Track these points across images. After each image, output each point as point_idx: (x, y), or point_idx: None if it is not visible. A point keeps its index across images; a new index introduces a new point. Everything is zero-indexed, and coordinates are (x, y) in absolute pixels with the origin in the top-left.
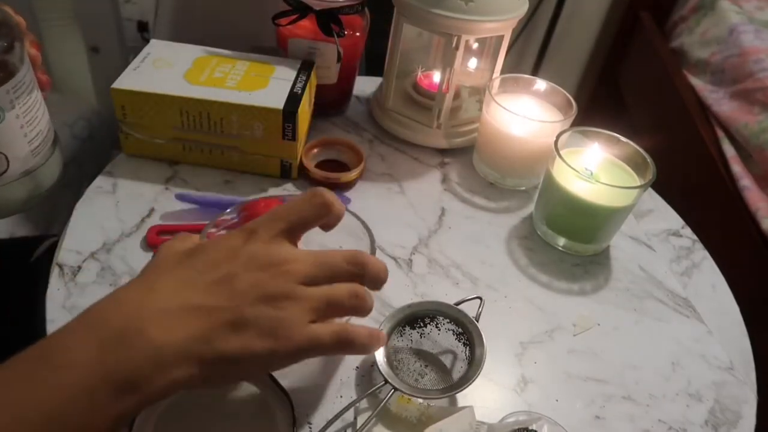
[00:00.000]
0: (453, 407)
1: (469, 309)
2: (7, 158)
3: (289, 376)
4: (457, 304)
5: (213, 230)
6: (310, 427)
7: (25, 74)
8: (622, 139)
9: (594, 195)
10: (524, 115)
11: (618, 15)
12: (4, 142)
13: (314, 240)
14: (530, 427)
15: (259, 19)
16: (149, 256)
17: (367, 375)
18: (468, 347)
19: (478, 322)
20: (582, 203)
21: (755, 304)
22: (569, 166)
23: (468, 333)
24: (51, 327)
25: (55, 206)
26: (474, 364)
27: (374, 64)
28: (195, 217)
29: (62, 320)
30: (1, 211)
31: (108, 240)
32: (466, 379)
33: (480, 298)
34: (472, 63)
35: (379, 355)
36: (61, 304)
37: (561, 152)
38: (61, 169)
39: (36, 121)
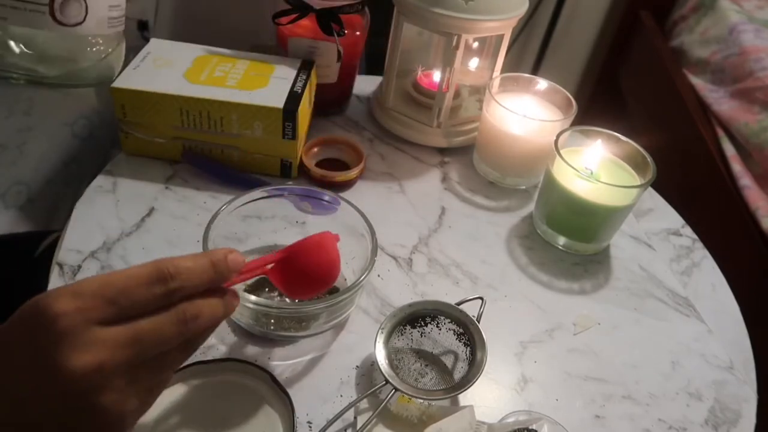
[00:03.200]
0: (453, 407)
1: (470, 309)
2: (87, 8)
3: (289, 376)
4: (459, 304)
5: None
6: (310, 427)
7: None
8: (622, 138)
9: (594, 194)
10: (524, 114)
11: (618, 14)
12: None
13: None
14: (530, 427)
15: (259, 18)
16: (149, 255)
17: (367, 375)
18: (469, 348)
19: (479, 322)
20: (582, 202)
21: (755, 304)
22: (569, 165)
23: (469, 333)
24: None
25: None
26: (475, 365)
27: (374, 64)
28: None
29: None
30: (76, 77)
31: (108, 239)
32: (467, 380)
33: (481, 299)
34: (473, 62)
35: (380, 354)
36: None
37: (561, 151)
38: (122, 62)
39: None
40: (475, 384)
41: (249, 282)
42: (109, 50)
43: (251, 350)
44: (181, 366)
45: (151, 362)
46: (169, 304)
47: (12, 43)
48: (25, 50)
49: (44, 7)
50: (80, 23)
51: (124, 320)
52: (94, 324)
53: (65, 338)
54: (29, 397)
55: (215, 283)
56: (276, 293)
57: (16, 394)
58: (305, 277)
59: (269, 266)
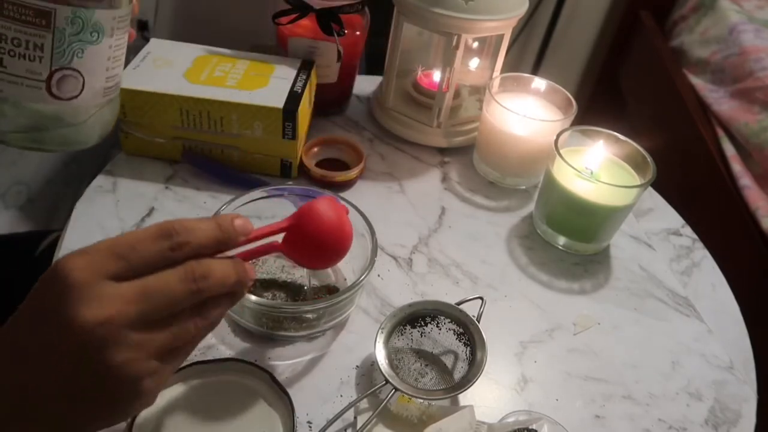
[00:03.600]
0: (453, 407)
1: (470, 309)
2: (83, 83)
3: (289, 376)
4: (459, 304)
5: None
6: (310, 427)
7: (128, 12)
8: (622, 138)
9: (594, 194)
10: (524, 114)
11: (618, 14)
12: (89, 65)
13: None
14: (530, 427)
15: (259, 18)
16: None
17: (367, 375)
18: (469, 348)
19: (479, 322)
20: (582, 202)
21: (755, 303)
22: (569, 165)
23: (469, 333)
24: None
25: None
26: (475, 365)
27: (374, 63)
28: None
29: None
30: (59, 143)
31: None
32: (467, 380)
33: (481, 298)
34: (473, 62)
35: (380, 354)
36: None
37: (561, 151)
38: (116, 116)
39: (119, 62)
40: (475, 384)
41: None
42: (92, 112)
43: (251, 350)
44: (181, 366)
45: (165, 324)
46: (179, 261)
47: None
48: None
49: (41, 83)
50: (75, 97)
51: (134, 277)
52: (103, 278)
53: (75, 291)
54: (43, 354)
55: (222, 245)
56: (276, 294)
57: (33, 353)
58: (317, 242)
59: (279, 236)
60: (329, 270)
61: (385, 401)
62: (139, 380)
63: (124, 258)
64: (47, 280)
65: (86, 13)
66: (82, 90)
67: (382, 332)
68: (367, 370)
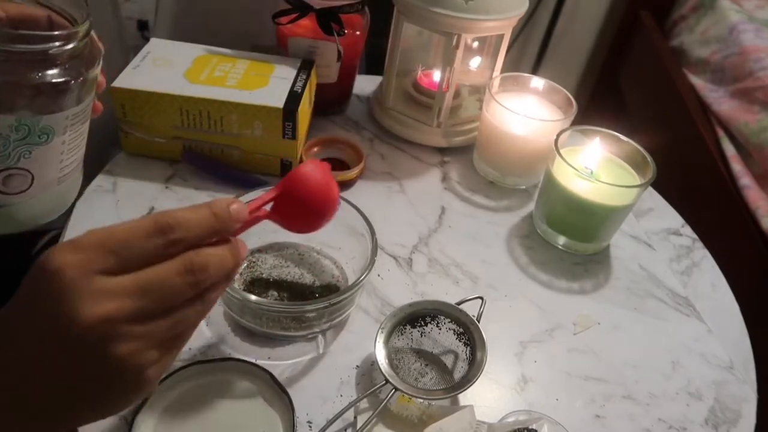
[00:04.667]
0: (453, 406)
1: (470, 309)
2: (33, 179)
3: (289, 376)
4: (459, 303)
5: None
6: (310, 427)
7: (88, 104)
8: (622, 137)
9: (594, 194)
10: (524, 113)
11: (618, 14)
12: (38, 163)
13: (315, 238)
14: (530, 427)
15: (260, 18)
16: None
17: (367, 374)
18: (469, 347)
19: (479, 322)
20: (582, 202)
21: (755, 303)
22: (569, 164)
23: (469, 333)
24: None
25: None
26: (475, 365)
27: (374, 63)
28: None
29: None
30: (8, 226)
31: None
32: (467, 380)
33: (481, 298)
34: (473, 62)
35: (380, 354)
36: None
37: (561, 151)
38: (78, 190)
39: (76, 150)
40: (475, 384)
41: (249, 281)
42: (46, 195)
43: (251, 350)
44: (181, 366)
45: (164, 315)
46: (174, 255)
47: None
48: None
49: None
50: (24, 191)
51: (128, 272)
52: (96, 274)
53: (69, 290)
54: (41, 357)
55: (219, 234)
56: (277, 293)
57: (29, 357)
58: (306, 205)
59: (268, 207)
60: (329, 270)
61: (384, 401)
62: (143, 371)
63: (117, 254)
64: (34, 278)
65: (32, 120)
66: (31, 185)
67: (382, 332)
68: (367, 370)
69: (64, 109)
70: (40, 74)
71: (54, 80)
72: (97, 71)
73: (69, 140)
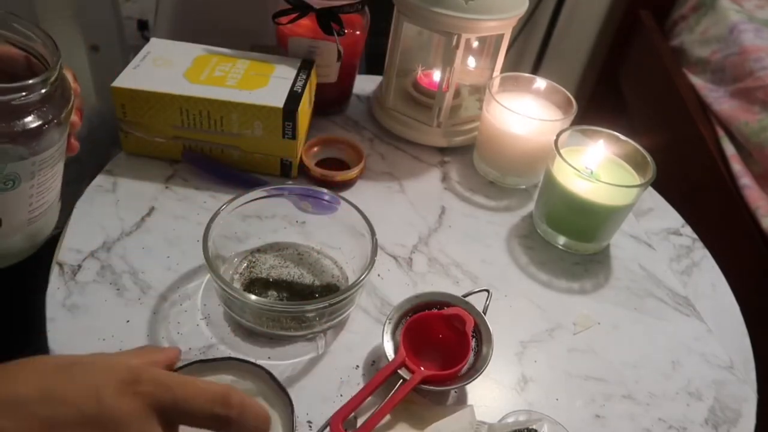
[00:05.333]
0: (453, 406)
1: (477, 302)
2: (0, 222)
3: (289, 376)
4: (465, 296)
5: None
6: (310, 427)
7: (59, 148)
8: (622, 137)
9: (594, 194)
10: (524, 113)
11: (618, 14)
12: (6, 208)
13: (315, 237)
14: (530, 427)
15: (260, 17)
16: (149, 255)
17: (367, 375)
18: (475, 339)
19: (485, 314)
20: (582, 202)
21: (755, 303)
22: (569, 164)
23: (475, 325)
24: (51, 325)
25: None
26: (481, 357)
27: (374, 63)
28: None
29: (62, 319)
30: None
31: (108, 239)
32: (474, 371)
33: (487, 291)
34: (473, 62)
35: (388, 345)
36: (61, 302)
37: (561, 151)
38: (55, 223)
39: (47, 192)
40: (475, 383)
41: (249, 281)
42: (16, 236)
43: (251, 350)
44: (182, 365)
45: None
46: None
47: None
48: None
49: None
50: None
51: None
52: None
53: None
54: None
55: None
56: (276, 293)
57: None
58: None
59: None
60: (329, 270)
61: (385, 401)
62: None
63: (176, 403)
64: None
65: None
66: None
67: (389, 323)
68: (368, 370)
69: (33, 155)
70: (7, 123)
71: (24, 128)
72: (70, 112)
73: (38, 184)
